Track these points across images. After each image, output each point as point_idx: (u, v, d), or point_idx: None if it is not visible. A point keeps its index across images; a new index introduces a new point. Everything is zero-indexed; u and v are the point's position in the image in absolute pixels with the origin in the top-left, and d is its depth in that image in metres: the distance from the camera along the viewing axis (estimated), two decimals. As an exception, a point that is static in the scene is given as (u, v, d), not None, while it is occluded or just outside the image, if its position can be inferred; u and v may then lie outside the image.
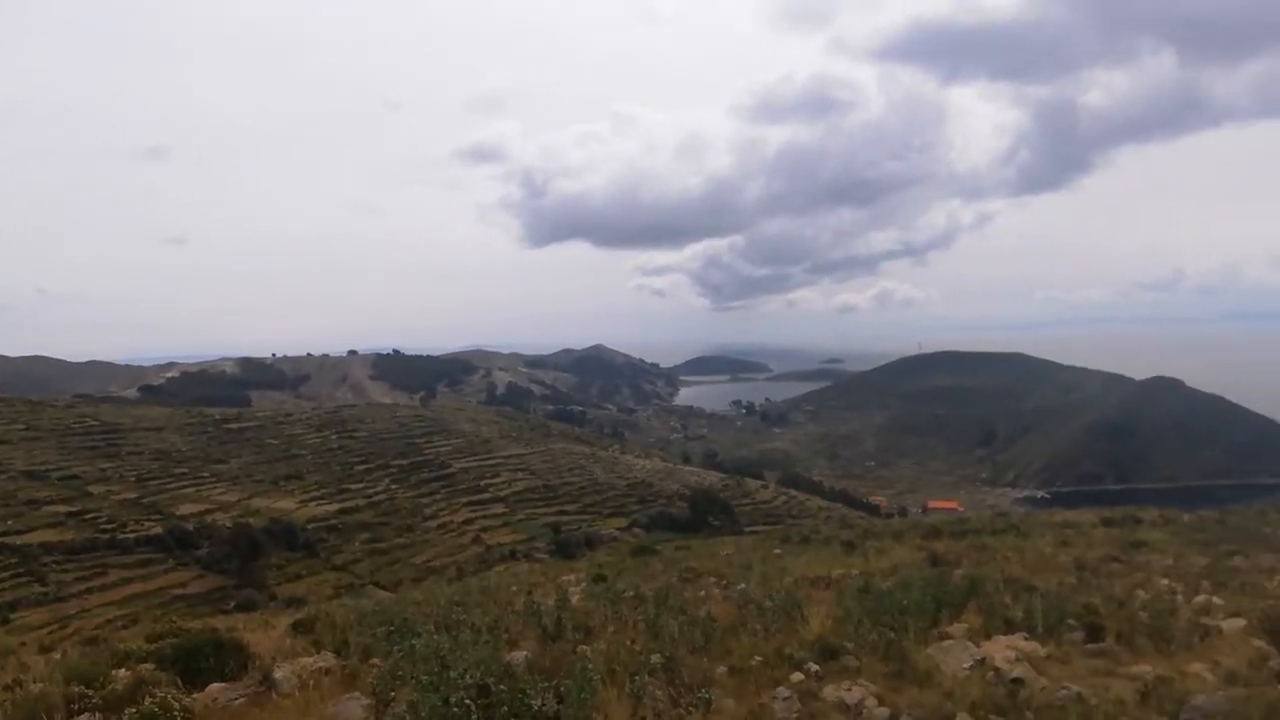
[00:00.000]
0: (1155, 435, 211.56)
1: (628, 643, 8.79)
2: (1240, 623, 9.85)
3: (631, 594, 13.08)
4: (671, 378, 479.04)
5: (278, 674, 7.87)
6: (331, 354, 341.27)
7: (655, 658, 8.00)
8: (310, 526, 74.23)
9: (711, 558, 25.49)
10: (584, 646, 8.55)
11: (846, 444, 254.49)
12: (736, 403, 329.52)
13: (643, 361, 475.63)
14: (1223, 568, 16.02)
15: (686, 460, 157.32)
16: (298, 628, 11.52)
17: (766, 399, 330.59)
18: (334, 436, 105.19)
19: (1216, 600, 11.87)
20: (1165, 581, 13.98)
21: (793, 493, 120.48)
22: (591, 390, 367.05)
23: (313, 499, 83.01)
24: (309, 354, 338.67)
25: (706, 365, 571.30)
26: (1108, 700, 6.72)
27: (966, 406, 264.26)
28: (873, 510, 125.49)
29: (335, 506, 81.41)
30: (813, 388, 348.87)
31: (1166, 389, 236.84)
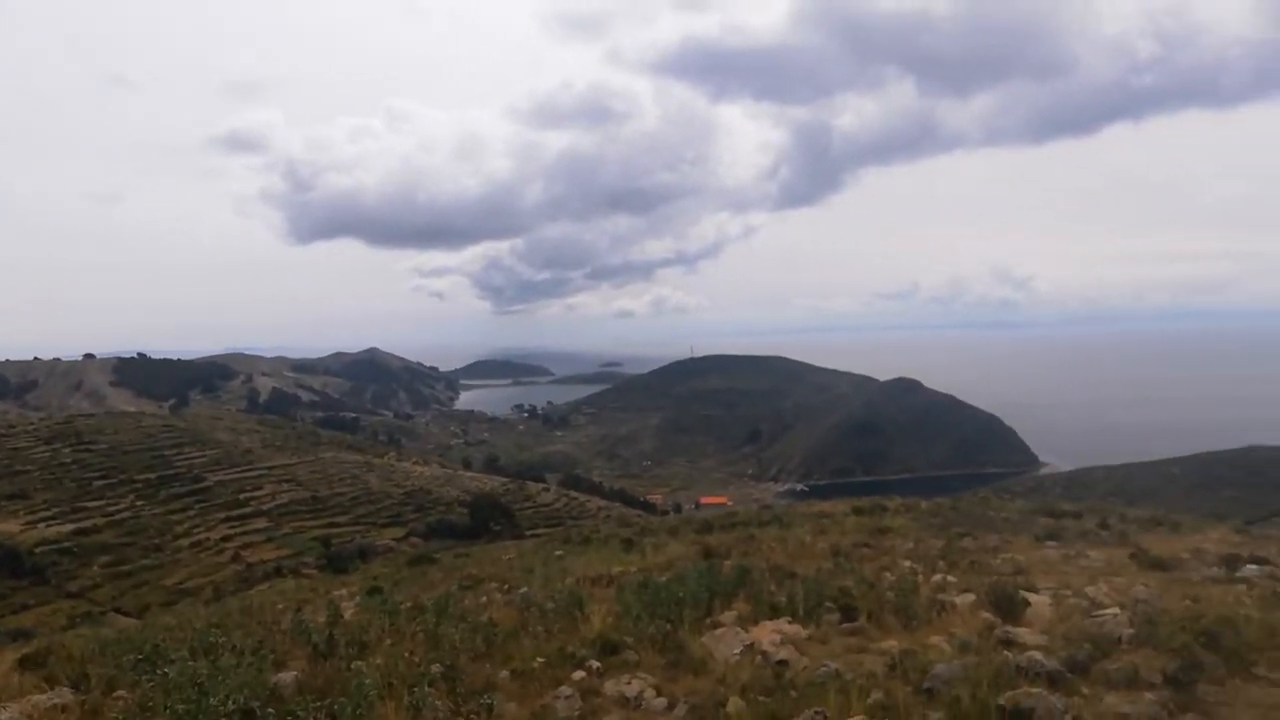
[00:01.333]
0: (897, 431, 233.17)
1: (406, 654, 8.51)
2: (970, 597, 10.94)
3: (409, 605, 12.67)
4: (452, 382, 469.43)
5: (2, 717, 6.91)
6: (64, 357, 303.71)
7: (435, 667, 7.81)
8: (39, 550, 65.93)
9: (493, 563, 25.20)
10: (359, 662, 8.21)
11: (625, 445, 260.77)
12: (518, 406, 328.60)
13: (421, 365, 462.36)
14: (955, 549, 17.78)
15: (467, 466, 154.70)
16: (26, 663, 10.17)
17: (548, 402, 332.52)
18: (67, 450, 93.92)
19: (951, 578, 13.12)
20: (908, 563, 15.31)
21: (574, 494, 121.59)
22: (366, 396, 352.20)
23: (41, 520, 73.74)
24: (36, 358, 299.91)
25: (488, 369, 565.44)
26: (861, 674, 7.30)
27: (735, 407, 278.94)
28: (650, 508, 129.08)
29: (69, 527, 72.77)
30: (593, 391, 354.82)
31: (906, 389, 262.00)
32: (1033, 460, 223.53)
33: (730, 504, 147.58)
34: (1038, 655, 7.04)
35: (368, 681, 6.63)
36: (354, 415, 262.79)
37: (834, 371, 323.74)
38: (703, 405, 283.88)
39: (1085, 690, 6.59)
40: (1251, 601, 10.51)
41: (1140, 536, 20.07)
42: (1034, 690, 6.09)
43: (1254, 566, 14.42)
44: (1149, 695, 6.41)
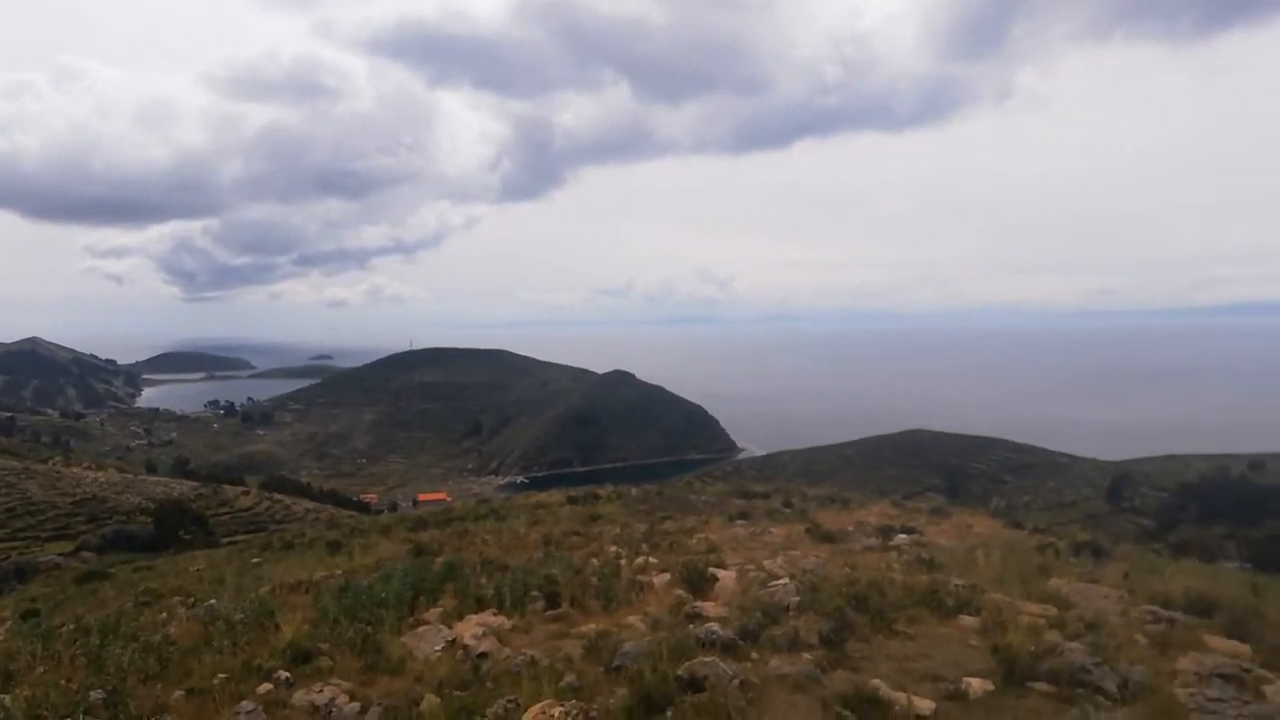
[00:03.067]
0: (612, 421, 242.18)
1: (62, 682, 7.57)
2: (666, 577, 11.63)
3: (72, 627, 11.25)
4: (132, 376, 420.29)
5: None
6: None
7: (96, 693, 7.00)
8: None
9: (179, 575, 23.01)
10: (2, 695, 7.20)
11: (336, 442, 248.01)
12: (213, 403, 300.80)
13: (94, 358, 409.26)
14: (657, 531, 18.80)
15: (152, 470, 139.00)
16: None
17: (249, 399, 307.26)
18: None
19: (652, 560, 13.85)
20: (614, 548, 15.97)
21: (278, 497, 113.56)
22: (25, 393, 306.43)
23: None
24: None
25: (176, 362, 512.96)
26: (558, 659, 7.53)
27: (455, 401, 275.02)
28: (364, 508, 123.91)
29: None
30: (301, 385, 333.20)
31: (621, 381, 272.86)
32: (732, 447, 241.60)
33: (449, 500, 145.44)
34: (715, 626, 7.67)
35: (15, 715, 5.82)
36: (9, 414, 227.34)
37: (555, 365, 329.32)
38: (422, 399, 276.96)
39: (754, 655, 7.29)
40: (899, 566, 12.13)
41: (817, 513, 22.37)
42: (708, 659, 6.63)
43: (904, 535, 16.65)
44: (806, 656, 7.23)
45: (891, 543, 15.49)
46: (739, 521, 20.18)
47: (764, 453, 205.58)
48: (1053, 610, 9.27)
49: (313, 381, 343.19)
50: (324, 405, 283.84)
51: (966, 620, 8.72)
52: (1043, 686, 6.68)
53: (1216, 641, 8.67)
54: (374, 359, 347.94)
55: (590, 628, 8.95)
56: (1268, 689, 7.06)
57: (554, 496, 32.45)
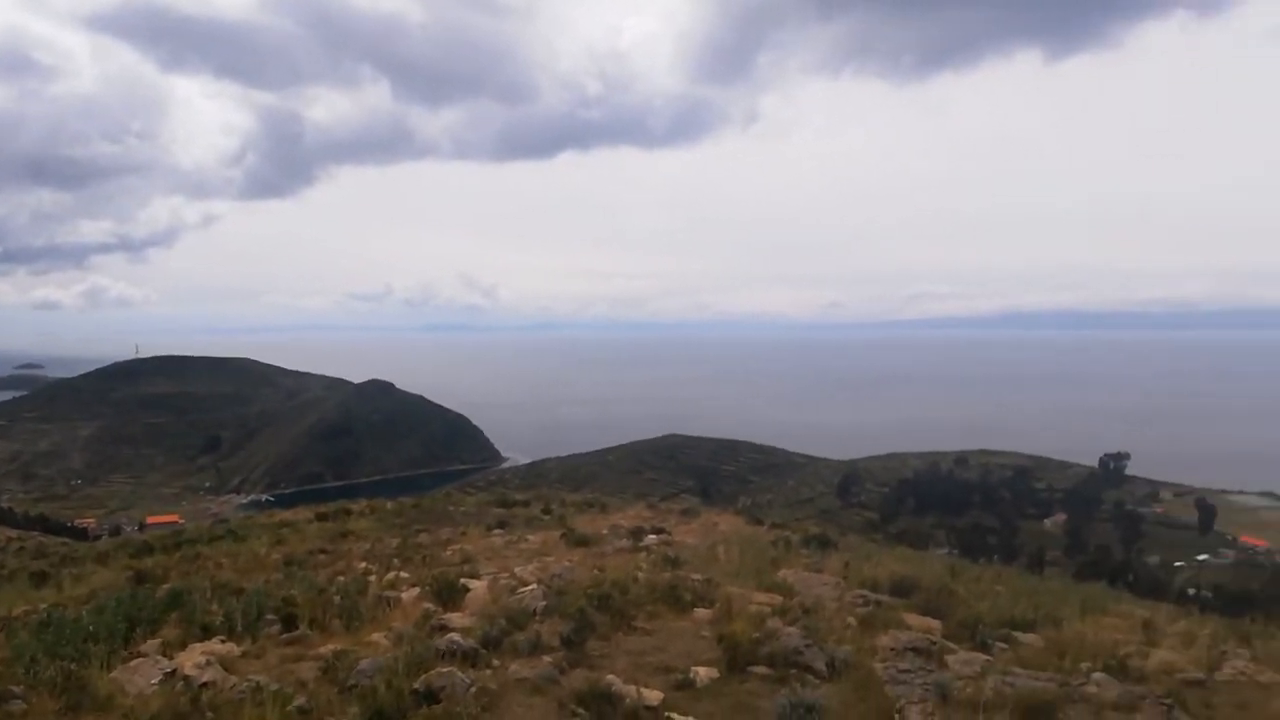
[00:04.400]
0: (369, 433, 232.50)
1: None
2: (416, 591, 11.39)
3: None
4: None
5: None
6: None
7: None
8: None
9: None
10: None
11: (46, 461, 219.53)
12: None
13: None
14: (411, 545, 18.35)
15: None
16: None
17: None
18: None
19: (403, 574, 13.51)
20: (363, 564, 15.41)
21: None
22: None
23: None
24: None
25: None
26: (289, 683, 7.17)
27: (189, 413, 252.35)
28: (80, 534, 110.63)
29: None
30: (3, 398, 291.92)
31: (379, 391, 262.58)
32: (496, 456, 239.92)
33: (182, 521, 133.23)
34: (457, 637, 7.65)
35: None
36: None
37: (306, 374, 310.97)
38: (150, 412, 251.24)
39: (495, 662, 7.35)
40: (646, 566, 12.64)
41: (574, 519, 22.78)
42: (445, 670, 6.61)
43: (654, 536, 17.35)
44: (547, 658, 7.39)
45: (642, 543, 16.08)
46: (497, 531, 20.15)
47: (528, 461, 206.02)
48: (778, 599, 10.07)
49: (17, 393, 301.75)
50: (31, 420, 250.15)
51: (702, 613, 9.28)
52: (762, 670, 7.27)
53: (914, 619, 9.79)
54: (93, 368, 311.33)
55: (329, 648, 8.58)
56: (950, 659, 8.08)
57: (301, 514, 30.75)
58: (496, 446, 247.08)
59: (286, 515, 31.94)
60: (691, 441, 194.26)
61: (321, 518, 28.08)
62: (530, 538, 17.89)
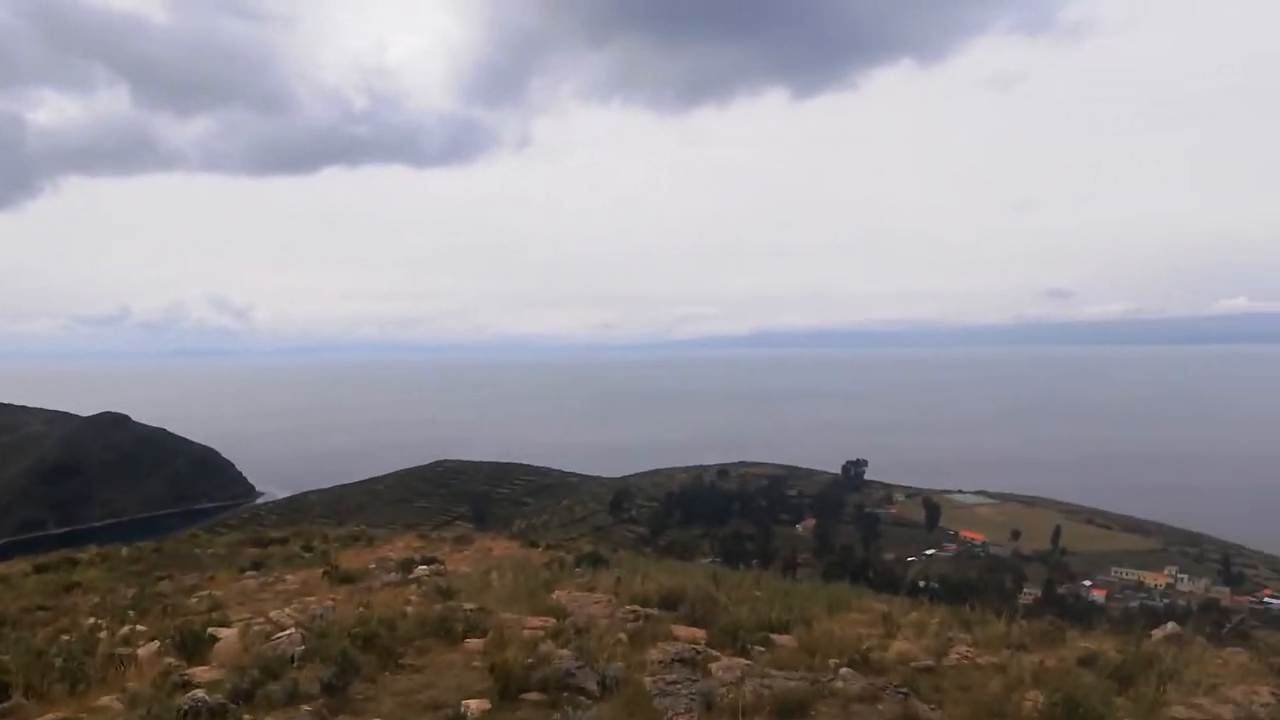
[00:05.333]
0: (102, 472, 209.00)
1: None
2: (155, 645, 10.34)
3: None
4: None
5: None
6: None
7: None
8: None
9: None
10: None
11: None
12: None
13: None
14: (150, 594, 16.61)
15: None
16: None
17: None
18: None
19: (140, 628, 12.19)
20: (92, 620, 13.78)
21: None
22: None
23: None
24: None
25: None
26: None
27: None
28: None
29: None
30: None
31: (112, 424, 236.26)
32: (250, 491, 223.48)
33: None
34: (201, 693, 7.02)
35: None
36: None
37: (22, 408, 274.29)
38: None
39: (247, 717, 6.81)
40: (416, 599, 12.23)
41: (339, 554, 21.64)
42: (188, 732, 6.05)
43: (425, 567, 16.82)
44: (306, 707, 6.94)
45: (412, 576, 15.57)
46: (250, 573, 18.69)
47: (287, 494, 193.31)
48: (552, 621, 10.09)
49: None
50: None
51: (474, 643, 9.10)
52: (534, 696, 7.25)
53: (682, 630, 10.14)
54: None
55: (53, 716, 7.62)
56: (714, 666, 8.45)
57: (16, 566, 27.06)
58: (251, 480, 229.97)
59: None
60: (465, 466, 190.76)
61: (41, 569, 24.85)
62: (289, 578, 16.79)
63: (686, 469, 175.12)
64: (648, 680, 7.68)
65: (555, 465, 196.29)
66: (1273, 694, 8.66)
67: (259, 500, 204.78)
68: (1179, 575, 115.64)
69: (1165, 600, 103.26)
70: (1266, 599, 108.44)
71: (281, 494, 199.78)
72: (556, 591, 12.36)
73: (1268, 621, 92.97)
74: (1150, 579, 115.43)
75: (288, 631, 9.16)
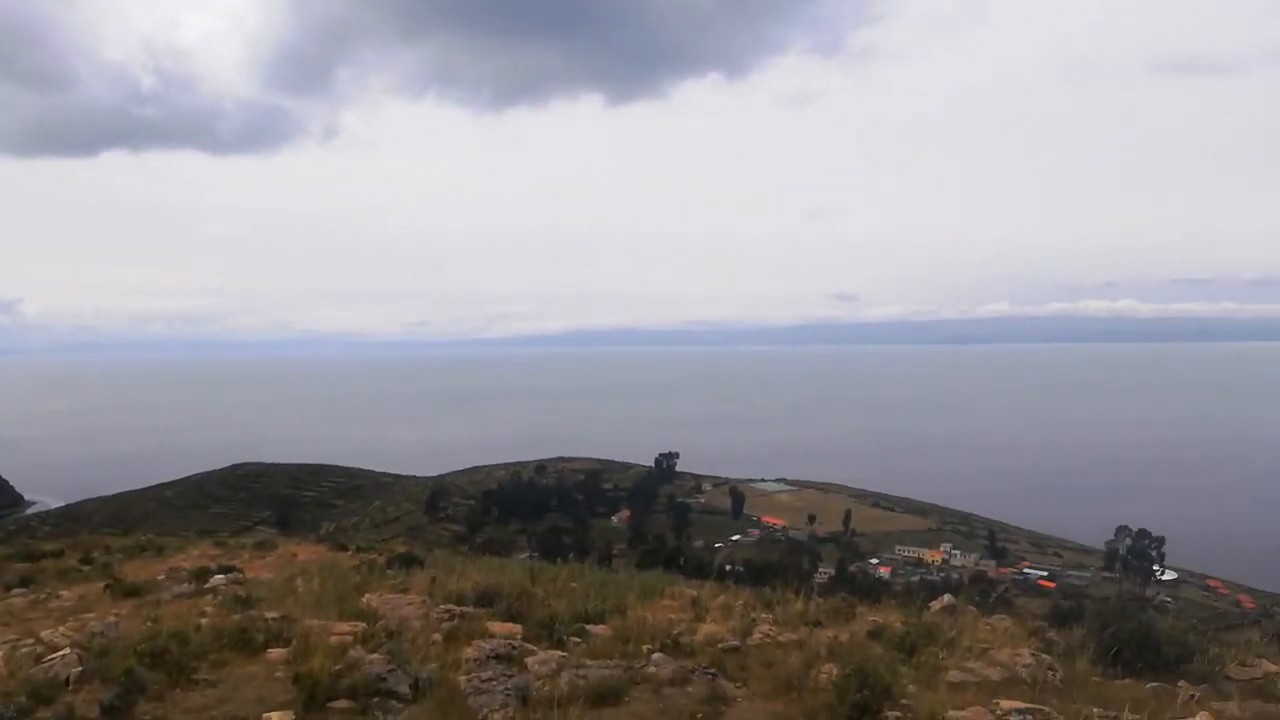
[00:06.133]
0: None
1: None
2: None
3: None
4: None
5: None
6: None
7: None
8: None
9: None
10: None
11: None
12: None
13: None
14: (-112, 622, 14.68)
15: None
16: None
17: None
18: None
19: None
20: None
21: None
22: None
23: None
24: None
25: None
26: None
27: None
28: None
29: None
30: None
31: None
32: (19, 500, 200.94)
33: None
34: (-44, 727, 6.31)
35: None
36: None
37: None
38: None
39: (13, 749, 6.19)
40: (212, 610, 11.47)
41: (123, 566, 19.99)
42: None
43: (222, 575, 15.81)
44: (85, 732, 6.39)
45: (207, 585, 14.63)
46: (18, 590, 16.88)
47: (61, 504, 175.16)
48: (361, 626, 9.77)
49: None
50: None
51: (276, 653, 8.66)
52: (343, 704, 7.00)
53: (498, 626, 10.10)
54: None
55: None
56: (530, 660, 8.49)
57: None
58: (18, 489, 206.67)
59: None
60: (267, 469, 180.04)
61: None
62: (64, 593, 15.31)
63: (504, 466, 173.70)
64: (462, 679, 7.61)
65: (366, 465, 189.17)
66: (1033, 655, 9.71)
67: (28, 510, 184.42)
68: (953, 551, 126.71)
69: (941, 574, 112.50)
70: (1025, 570, 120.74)
71: (54, 503, 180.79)
72: (367, 595, 11.99)
73: (1027, 590, 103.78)
74: (928, 555, 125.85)
75: (62, 652, 8.34)
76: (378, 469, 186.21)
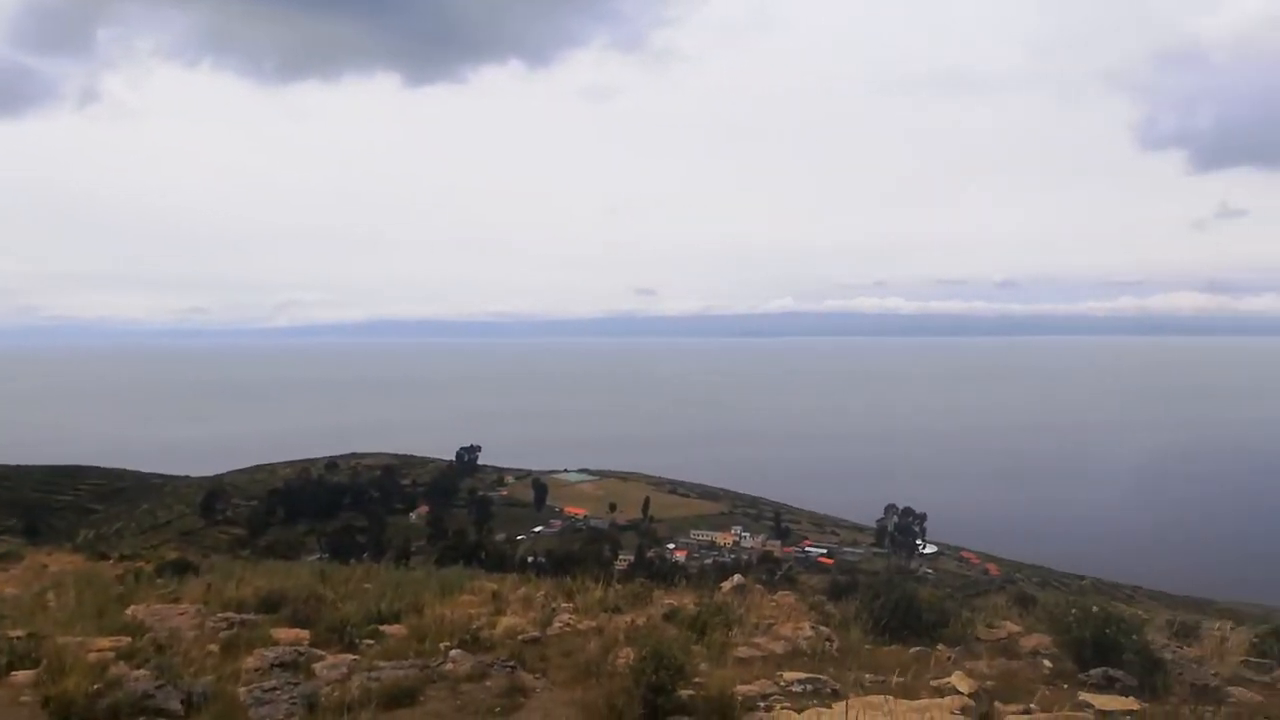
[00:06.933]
0: None
1: None
2: None
3: None
4: None
5: None
6: None
7: None
8: None
9: None
10: None
11: None
12: None
13: None
14: None
15: None
16: None
17: None
18: None
19: None
20: None
21: None
22: None
23: None
24: None
25: None
26: None
27: None
28: None
29: None
30: None
31: None
32: None
33: None
34: None
35: None
36: None
37: None
38: None
39: None
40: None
41: None
42: None
43: (-48, 594, 13.99)
44: None
45: (-67, 607, 12.87)
46: None
47: None
48: (126, 640, 8.96)
49: None
50: None
51: (23, 675, 7.76)
52: (102, 725, 6.40)
53: (283, 633, 9.59)
54: None
55: None
56: (318, 666, 8.12)
57: None
58: None
59: None
60: (10, 472, 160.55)
61: None
62: None
63: (291, 463, 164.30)
64: (243, 690, 7.17)
65: (132, 466, 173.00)
66: (812, 627, 10.43)
67: None
68: (742, 534, 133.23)
69: (732, 556, 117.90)
70: (807, 548, 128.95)
71: None
72: (133, 606, 11.03)
73: (809, 567, 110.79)
74: (721, 538, 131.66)
75: None
76: (145, 469, 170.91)
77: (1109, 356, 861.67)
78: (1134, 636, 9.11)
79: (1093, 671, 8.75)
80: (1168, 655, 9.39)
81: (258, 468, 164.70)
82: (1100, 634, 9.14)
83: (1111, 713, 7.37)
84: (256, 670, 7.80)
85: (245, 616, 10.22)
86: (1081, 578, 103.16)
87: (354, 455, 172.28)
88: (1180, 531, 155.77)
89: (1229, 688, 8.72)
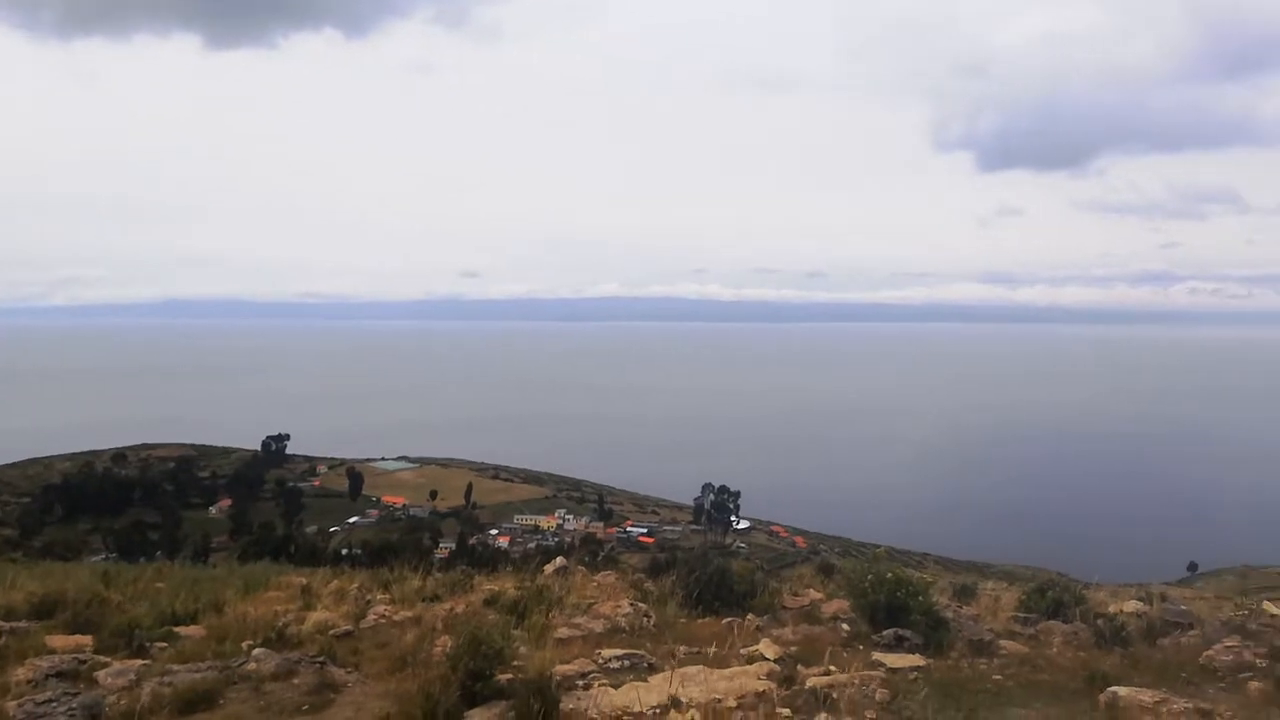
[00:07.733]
0: None
1: None
2: None
3: None
4: None
5: None
6: None
7: None
8: None
9: None
10: None
11: None
12: None
13: None
14: None
15: None
16: None
17: None
18: None
19: None
20: None
21: None
22: None
23: None
24: None
25: None
26: None
27: None
28: None
29: None
30: None
31: None
32: None
33: None
34: None
35: None
36: None
37: None
38: None
39: None
40: None
41: None
42: None
43: None
44: None
45: None
46: None
47: None
48: None
49: None
50: None
51: None
52: None
53: (60, 640, 8.77)
54: None
55: None
56: (102, 673, 7.48)
57: None
58: None
59: None
60: None
61: None
62: None
63: (71, 456, 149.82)
64: (13, 705, 6.52)
65: None
66: (631, 605, 10.68)
67: None
68: (566, 516, 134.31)
69: (556, 539, 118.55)
70: (629, 528, 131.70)
71: None
72: None
73: (630, 547, 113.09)
74: (544, 522, 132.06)
75: None
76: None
77: (898, 343, 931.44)
78: (920, 599, 9.98)
79: (885, 633, 9.54)
80: (949, 615, 10.36)
81: (30, 461, 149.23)
82: (892, 598, 9.96)
83: (900, 669, 8.12)
84: (29, 682, 7.10)
85: (15, 624, 9.29)
86: (878, 546, 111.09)
87: (145, 446, 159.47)
88: (964, 503, 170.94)
89: (1000, 641, 9.75)
